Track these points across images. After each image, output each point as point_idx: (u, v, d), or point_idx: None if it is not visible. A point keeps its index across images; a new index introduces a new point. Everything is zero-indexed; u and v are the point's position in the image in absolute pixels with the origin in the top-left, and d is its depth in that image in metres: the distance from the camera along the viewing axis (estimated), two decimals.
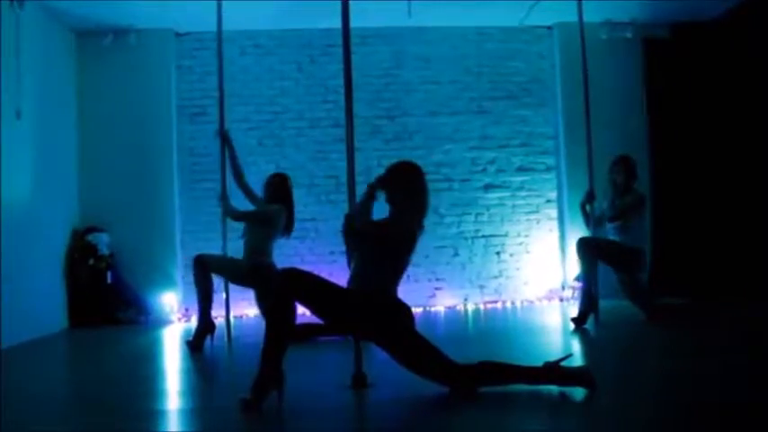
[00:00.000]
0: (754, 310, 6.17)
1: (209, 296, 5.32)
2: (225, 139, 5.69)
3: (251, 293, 5.70)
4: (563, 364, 3.43)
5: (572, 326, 5.63)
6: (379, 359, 3.79)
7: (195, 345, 5.23)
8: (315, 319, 3.79)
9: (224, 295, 5.60)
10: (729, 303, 6.56)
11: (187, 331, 6.10)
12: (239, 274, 5.46)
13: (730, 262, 7.12)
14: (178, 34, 7.67)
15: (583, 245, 5.78)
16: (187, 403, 3.74)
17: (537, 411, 3.22)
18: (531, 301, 7.74)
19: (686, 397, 3.34)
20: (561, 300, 7.71)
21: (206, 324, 5.30)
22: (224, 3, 5.84)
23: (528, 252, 7.89)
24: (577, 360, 4.23)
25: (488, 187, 7.90)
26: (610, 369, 4.10)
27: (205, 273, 5.31)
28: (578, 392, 3.35)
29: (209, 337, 5.33)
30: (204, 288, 5.30)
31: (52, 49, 6.94)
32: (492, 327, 6.33)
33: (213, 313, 5.36)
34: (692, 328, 5.50)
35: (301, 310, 3.45)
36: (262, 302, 5.50)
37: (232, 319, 5.72)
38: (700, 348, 4.65)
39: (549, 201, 7.95)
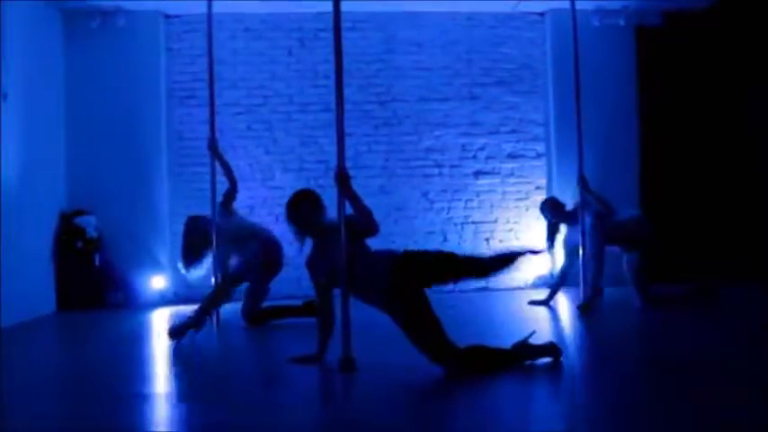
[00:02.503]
0: (751, 293, 6.28)
1: (218, 305, 5.35)
2: (214, 151, 5.63)
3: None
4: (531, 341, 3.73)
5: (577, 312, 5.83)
6: (366, 343, 3.79)
7: (177, 333, 5.01)
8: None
9: (213, 280, 5.58)
10: (724, 285, 6.63)
11: (175, 315, 6.08)
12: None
13: (724, 246, 7.28)
14: (167, 16, 7.59)
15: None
16: (171, 387, 3.74)
17: (517, 394, 3.25)
18: (520, 288, 7.75)
19: (655, 382, 3.37)
20: (549, 287, 7.71)
21: (197, 321, 5.15)
22: None
23: (517, 239, 7.89)
24: (569, 344, 4.27)
25: (478, 173, 7.90)
26: (594, 353, 4.12)
27: (227, 292, 5.35)
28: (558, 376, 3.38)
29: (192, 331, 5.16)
30: (218, 298, 5.30)
31: (39, 29, 6.86)
32: (479, 313, 6.35)
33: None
34: (682, 315, 5.55)
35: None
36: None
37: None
38: (680, 334, 4.69)
39: (538, 188, 7.95)
